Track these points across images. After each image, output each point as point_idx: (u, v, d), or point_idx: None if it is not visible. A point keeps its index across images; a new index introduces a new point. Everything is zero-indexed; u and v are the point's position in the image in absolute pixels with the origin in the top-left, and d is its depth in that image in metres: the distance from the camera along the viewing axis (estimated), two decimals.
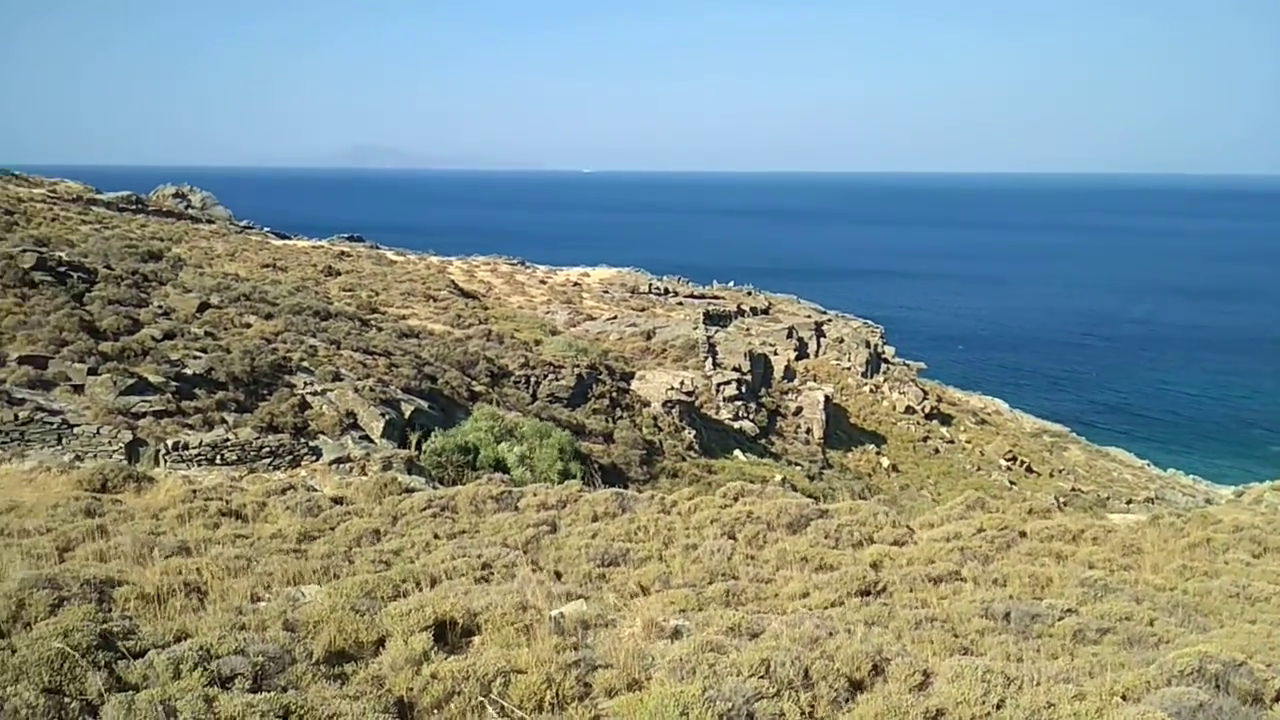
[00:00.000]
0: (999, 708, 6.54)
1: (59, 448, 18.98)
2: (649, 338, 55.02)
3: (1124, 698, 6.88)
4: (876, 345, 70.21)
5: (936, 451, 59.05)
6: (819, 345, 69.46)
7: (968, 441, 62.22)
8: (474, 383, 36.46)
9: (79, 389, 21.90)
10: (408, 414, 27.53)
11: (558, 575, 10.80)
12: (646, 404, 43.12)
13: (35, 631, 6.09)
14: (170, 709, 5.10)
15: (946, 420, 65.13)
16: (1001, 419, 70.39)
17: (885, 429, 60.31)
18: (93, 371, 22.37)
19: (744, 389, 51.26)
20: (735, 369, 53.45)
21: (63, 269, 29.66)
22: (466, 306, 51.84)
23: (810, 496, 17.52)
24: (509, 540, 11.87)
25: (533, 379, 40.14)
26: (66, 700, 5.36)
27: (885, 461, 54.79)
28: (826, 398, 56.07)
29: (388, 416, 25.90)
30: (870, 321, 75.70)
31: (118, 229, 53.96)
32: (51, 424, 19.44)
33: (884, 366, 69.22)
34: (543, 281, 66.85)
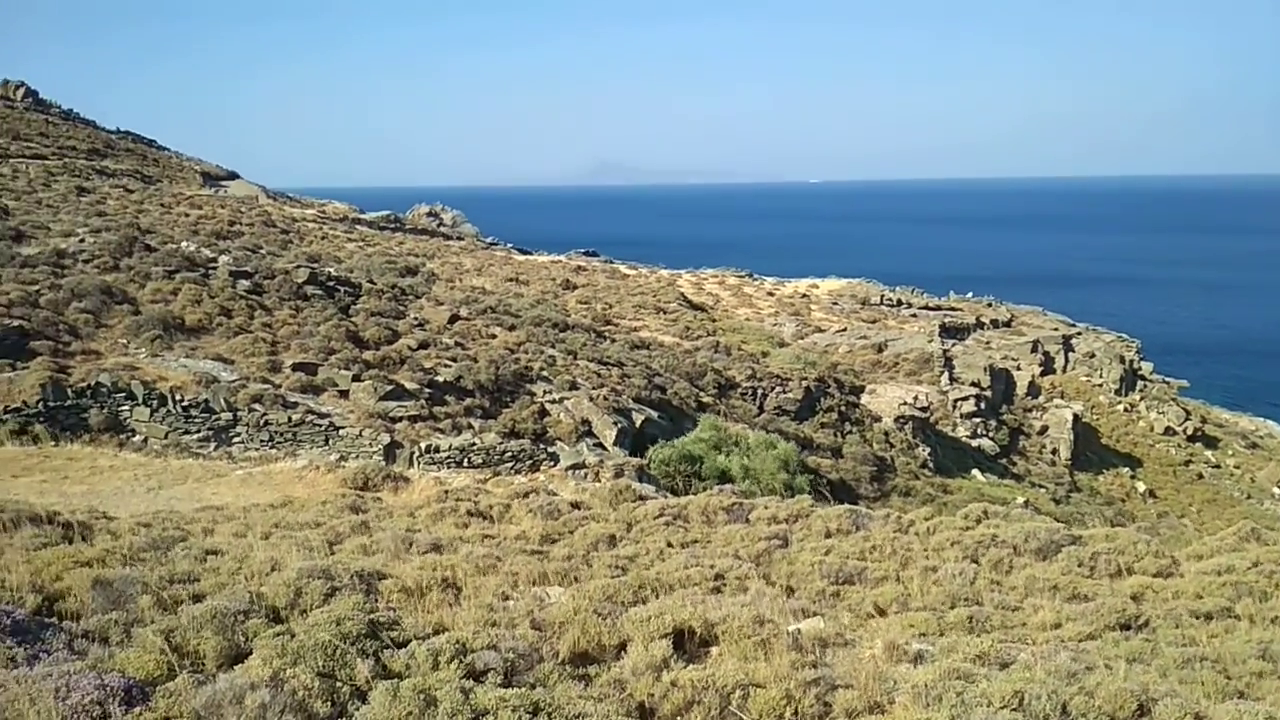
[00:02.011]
0: None
1: (326, 447, 20.64)
2: (880, 350, 53.68)
3: None
4: (1132, 361, 65.35)
5: (1200, 477, 54.24)
6: (1067, 360, 65.42)
7: (1236, 467, 56.81)
8: (702, 394, 36.80)
9: (344, 394, 23.78)
10: (639, 423, 28.14)
11: (790, 590, 10.67)
12: (877, 419, 42.07)
13: (311, 618, 6.60)
14: (430, 699, 5.40)
15: (1212, 443, 59.70)
16: (1276, 442, 63.79)
17: (1141, 451, 56.00)
18: (356, 378, 24.23)
19: (983, 405, 49.04)
20: (974, 384, 51.23)
21: (331, 283, 32.31)
22: (695, 319, 52.46)
23: (1058, 521, 16.51)
24: (740, 552, 11.84)
25: (760, 391, 40.06)
26: (338, 684, 5.77)
27: (1140, 486, 50.88)
28: (1075, 416, 52.74)
29: (620, 425, 26.56)
30: (1125, 335, 70.52)
31: (378, 246, 58.36)
32: (320, 426, 21.17)
33: (1140, 384, 64.30)
34: (770, 293, 66.64)
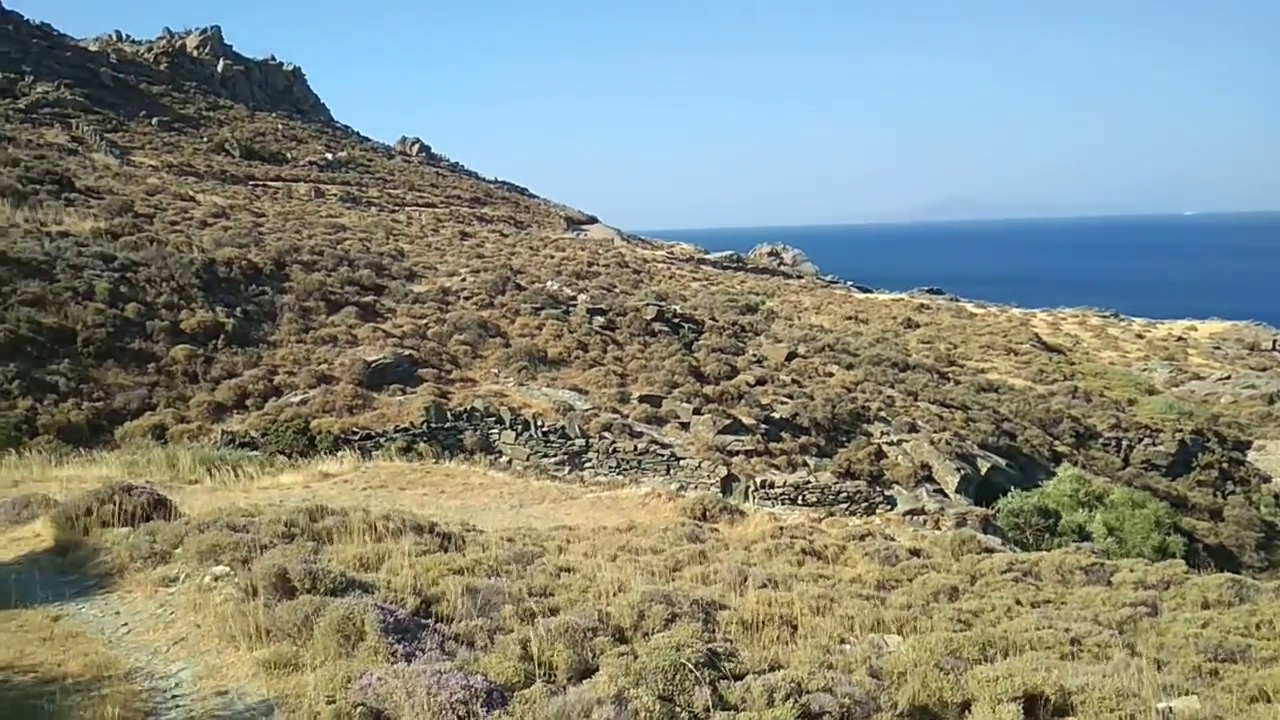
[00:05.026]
0: None
1: (667, 476, 21.44)
2: (1272, 402, 47.38)
3: None
4: None
5: None
6: None
7: None
8: (1056, 442, 34.35)
9: (685, 426, 24.61)
10: (984, 470, 26.75)
11: (1159, 664, 9.62)
12: (1267, 479, 37.14)
13: (653, 641, 6.83)
14: None
15: None
16: None
17: None
18: (697, 411, 25.00)
19: None
20: None
21: (676, 320, 33.68)
22: (1050, 361, 49.13)
23: None
24: (1100, 617, 10.84)
25: (1124, 442, 36.75)
26: (677, 709, 5.92)
27: None
28: None
29: (963, 471, 25.39)
30: None
31: (721, 285, 60.08)
32: (662, 455, 22.04)
33: None
34: (1139, 335, 60.97)
